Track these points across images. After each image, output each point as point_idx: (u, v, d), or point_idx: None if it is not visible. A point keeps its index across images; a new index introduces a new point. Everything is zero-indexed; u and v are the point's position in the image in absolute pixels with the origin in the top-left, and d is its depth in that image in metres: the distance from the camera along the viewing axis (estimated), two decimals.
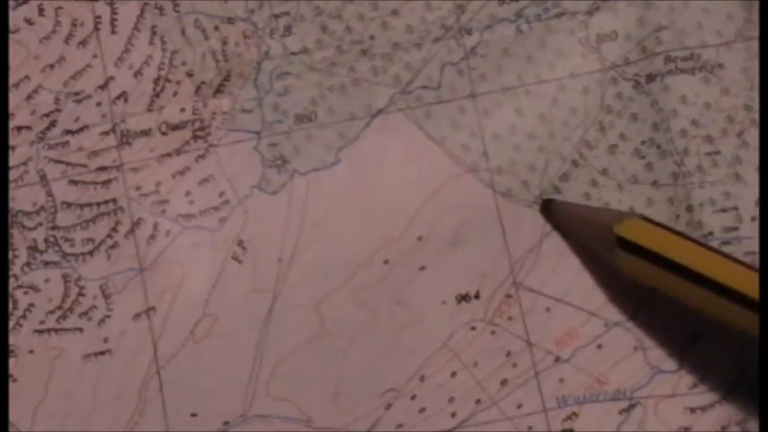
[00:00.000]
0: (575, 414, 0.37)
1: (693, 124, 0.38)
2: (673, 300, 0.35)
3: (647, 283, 0.35)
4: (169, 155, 0.39)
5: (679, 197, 0.38)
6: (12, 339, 0.38)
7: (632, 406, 0.37)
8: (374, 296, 0.38)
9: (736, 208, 0.38)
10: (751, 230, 0.37)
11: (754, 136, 0.38)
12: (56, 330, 0.38)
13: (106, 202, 0.39)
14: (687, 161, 0.38)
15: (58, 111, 0.39)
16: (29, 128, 0.39)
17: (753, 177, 0.38)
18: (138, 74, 0.40)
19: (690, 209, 0.38)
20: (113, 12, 0.40)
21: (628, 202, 0.38)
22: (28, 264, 0.39)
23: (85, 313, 0.38)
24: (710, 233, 0.37)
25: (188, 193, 0.39)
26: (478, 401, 0.38)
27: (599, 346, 0.38)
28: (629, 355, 0.37)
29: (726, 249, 0.37)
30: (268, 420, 0.38)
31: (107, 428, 0.38)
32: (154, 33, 0.40)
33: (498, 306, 0.38)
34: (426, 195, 0.39)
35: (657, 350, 0.37)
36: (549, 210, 0.38)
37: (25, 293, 0.39)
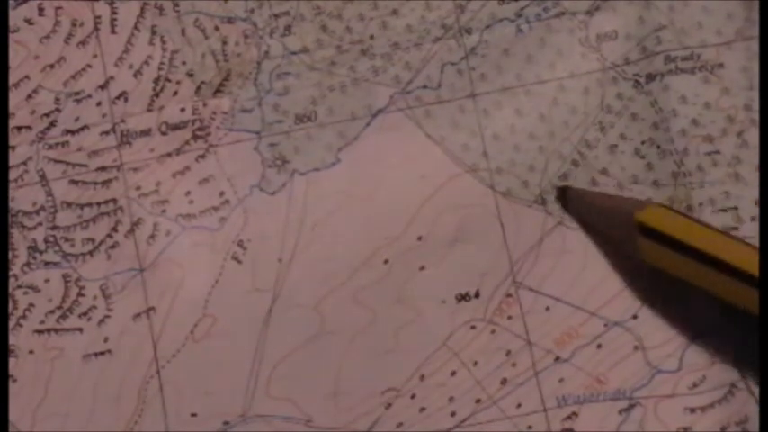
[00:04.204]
0: (574, 414, 0.37)
1: (693, 124, 0.38)
2: (694, 287, 0.35)
3: (669, 270, 0.35)
4: (169, 155, 0.39)
5: (679, 197, 0.38)
6: (12, 339, 0.38)
7: (632, 406, 0.37)
8: (374, 296, 0.38)
9: (735, 208, 0.38)
10: (751, 230, 0.37)
11: (753, 136, 0.38)
12: (56, 330, 0.38)
13: (106, 201, 0.39)
14: (687, 161, 0.38)
15: (58, 111, 0.39)
16: (29, 128, 0.40)
17: (752, 177, 0.38)
18: (138, 74, 0.40)
19: (690, 209, 0.38)
20: (113, 12, 0.40)
21: None
22: (28, 264, 0.39)
23: (85, 313, 0.38)
24: None
25: (188, 193, 0.39)
26: (478, 401, 0.38)
27: (599, 346, 0.38)
28: (629, 354, 0.37)
29: None
30: (268, 420, 0.38)
31: (107, 428, 0.38)
32: (154, 33, 0.40)
33: (498, 305, 0.38)
34: (426, 195, 0.38)
35: (657, 350, 0.37)
36: (565, 197, 0.38)
37: (25, 293, 0.39)
